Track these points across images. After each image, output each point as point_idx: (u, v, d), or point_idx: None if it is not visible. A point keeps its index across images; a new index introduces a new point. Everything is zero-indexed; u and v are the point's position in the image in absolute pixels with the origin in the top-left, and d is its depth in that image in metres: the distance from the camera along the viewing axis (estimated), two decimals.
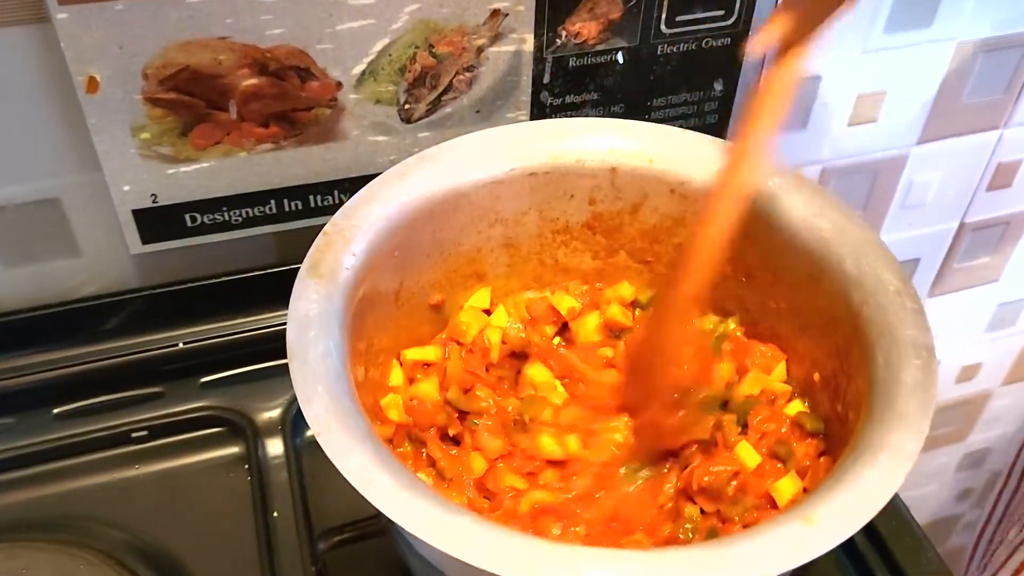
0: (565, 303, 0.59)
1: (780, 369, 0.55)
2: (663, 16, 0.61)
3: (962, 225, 0.91)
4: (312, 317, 0.46)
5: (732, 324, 0.58)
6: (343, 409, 0.42)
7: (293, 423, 0.62)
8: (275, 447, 0.61)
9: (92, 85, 0.52)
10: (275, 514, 0.57)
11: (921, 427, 0.41)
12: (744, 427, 0.53)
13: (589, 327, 0.58)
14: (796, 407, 0.53)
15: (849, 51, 0.71)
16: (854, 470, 0.40)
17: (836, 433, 0.50)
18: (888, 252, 0.50)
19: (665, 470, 0.50)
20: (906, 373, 0.44)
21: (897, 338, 0.46)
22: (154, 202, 0.58)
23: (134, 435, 0.62)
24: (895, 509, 0.57)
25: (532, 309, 0.59)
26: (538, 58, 0.60)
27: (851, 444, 0.43)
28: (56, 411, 0.63)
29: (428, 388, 0.53)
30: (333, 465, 0.40)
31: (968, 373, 1.12)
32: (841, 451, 0.46)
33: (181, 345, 0.64)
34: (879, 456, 0.40)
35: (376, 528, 0.54)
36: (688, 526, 0.48)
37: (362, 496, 0.38)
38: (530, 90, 0.61)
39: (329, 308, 0.47)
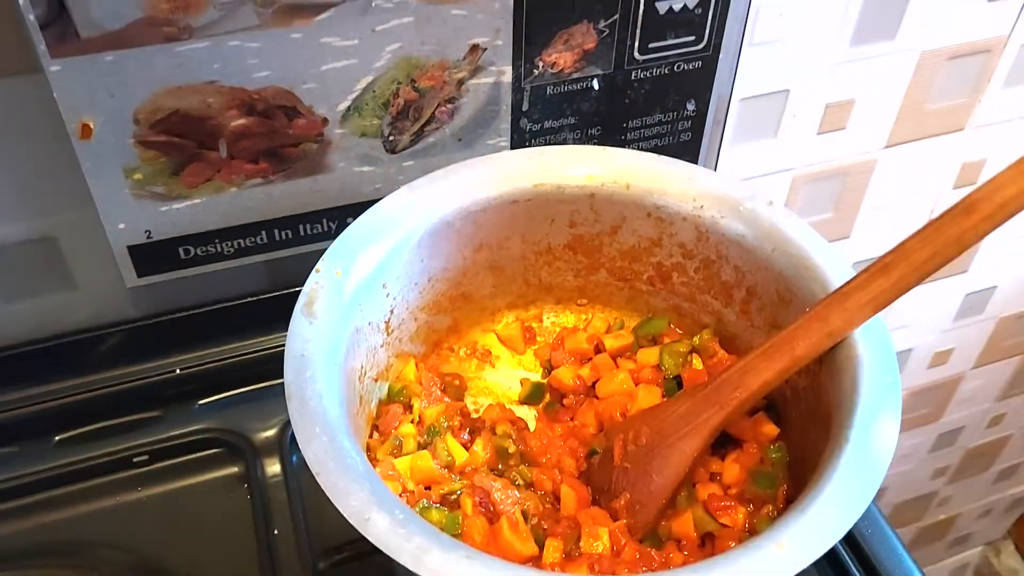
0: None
1: None
2: (636, 44, 0.63)
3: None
4: (307, 357, 0.48)
5: (707, 335, 0.60)
6: (340, 449, 0.44)
7: (290, 443, 0.64)
8: (273, 466, 0.63)
9: (85, 131, 0.54)
10: (276, 532, 0.59)
11: (886, 449, 0.44)
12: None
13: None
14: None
15: (818, 63, 0.74)
16: (822, 493, 0.43)
17: (807, 446, 0.53)
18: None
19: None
20: (871, 394, 0.47)
21: (863, 359, 0.48)
22: (148, 238, 0.60)
23: (135, 459, 0.64)
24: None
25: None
26: (516, 88, 0.62)
27: (820, 464, 0.46)
28: (58, 438, 0.64)
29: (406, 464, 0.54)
30: None
31: (940, 359, 1.16)
32: (810, 464, 0.49)
33: (178, 371, 0.66)
34: (845, 478, 0.43)
35: (373, 547, 0.57)
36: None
37: None
38: (510, 118, 0.63)
39: (323, 347, 0.49)
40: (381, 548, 0.40)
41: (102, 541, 0.60)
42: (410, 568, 0.39)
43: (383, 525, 0.41)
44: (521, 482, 0.55)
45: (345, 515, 0.41)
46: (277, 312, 0.66)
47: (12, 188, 0.57)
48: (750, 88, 0.72)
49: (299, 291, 0.51)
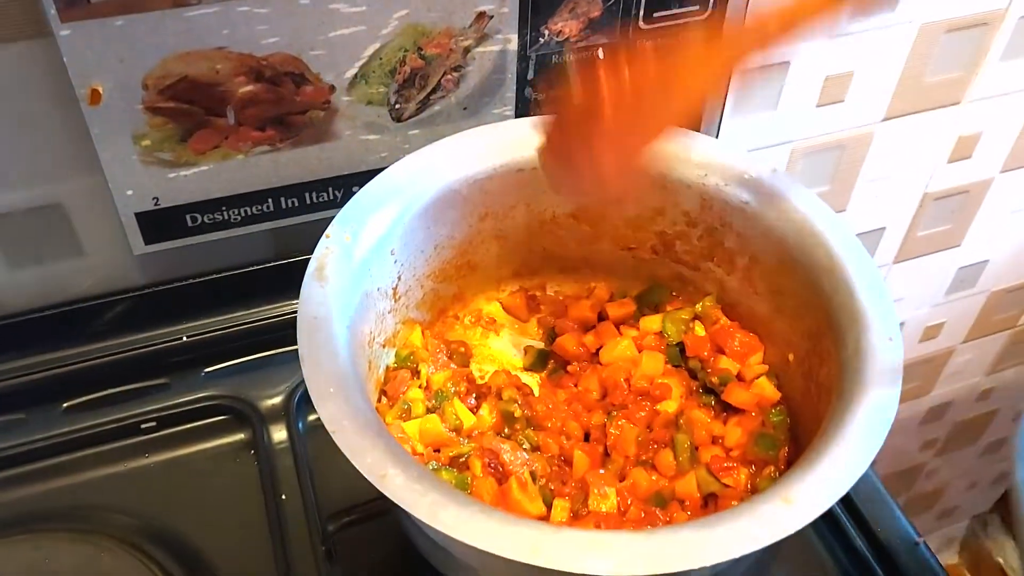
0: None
1: (757, 355, 0.59)
2: (640, 13, 0.63)
3: (925, 195, 0.95)
4: (320, 319, 0.49)
5: (709, 302, 0.61)
6: (354, 407, 0.45)
7: (296, 409, 0.64)
8: (279, 433, 0.64)
9: (95, 97, 0.54)
10: (283, 497, 0.60)
11: (889, 410, 0.45)
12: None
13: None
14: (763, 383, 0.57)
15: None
16: (827, 452, 0.44)
17: (808, 408, 0.54)
18: (858, 244, 0.53)
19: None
20: (874, 359, 0.48)
21: (866, 325, 0.49)
22: (156, 205, 0.60)
23: (143, 426, 0.64)
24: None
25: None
26: (522, 56, 0.62)
27: (823, 426, 0.47)
28: (65, 405, 0.65)
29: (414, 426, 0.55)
30: (336, 448, 0.43)
31: (931, 332, 1.17)
32: (811, 428, 0.50)
33: (185, 338, 0.67)
34: (849, 438, 0.44)
35: (382, 508, 0.58)
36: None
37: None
38: (515, 87, 0.64)
39: (334, 310, 0.50)
40: (397, 503, 0.41)
41: (110, 506, 0.61)
42: (426, 522, 0.40)
43: (399, 481, 0.41)
44: (528, 445, 0.56)
45: (362, 471, 0.42)
46: (283, 280, 0.66)
47: (20, 154, 0.57)
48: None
49: (305, 259, 0.52)
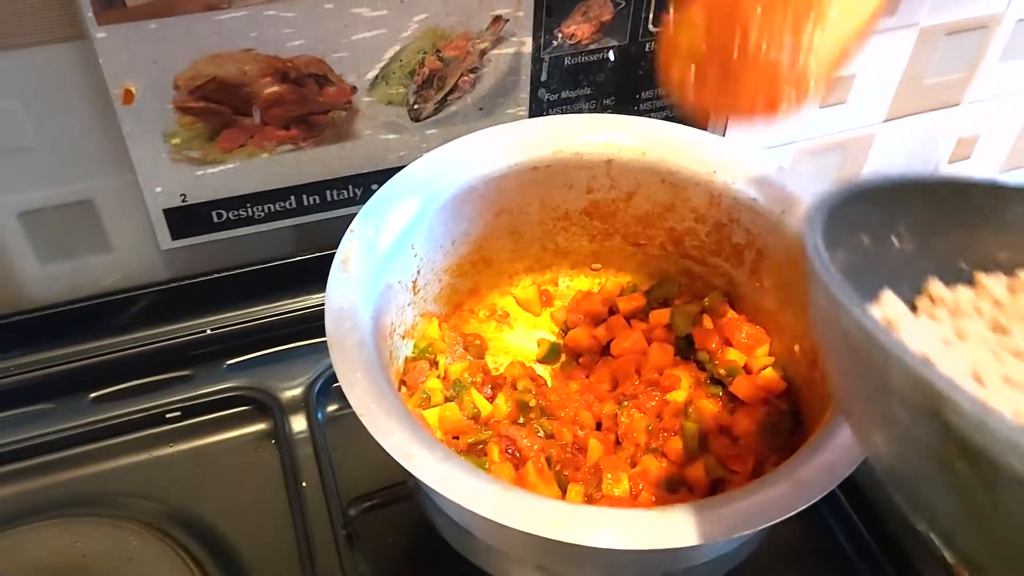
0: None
1: (764, 347, 0.61)
2: (650, 16, 0.65)
3: None
4: (346, 310, 0.51)
5: (716, 296, 0.63)
6: (381, 392, 0.47)
7: (315, 400, 0.67)
8: (299, 423, 0.66)
9: (128, 97, 0.56)
10: (303, 484, 0.62)
11: None
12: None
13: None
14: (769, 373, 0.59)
15: None
16: (832, 436, 0.46)
17: (814, 397, 0.56)
18: None
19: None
20: None
21: None
22: (183, 201, 0.62)
23: (168, 416, 0.66)
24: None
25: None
26: (536, 58, 0.64)
27: (828, 412, 0.49)
28: (93, 396, 0.67)
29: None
30: (354, 437, 0.44)
31: None
32: (817, 416, 0.52)
33: (208, 331, 0.69)
34: None
35: (401, 493, 0.60)
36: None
37: (389, 465, 0.43)
38: (529, 88, 0.66)
39: (359, 300, 0.52)
40: (424, 481, 0.43)
41: (136, 492, 0.63)
42: (451, 499, 0.42)
43: (425, 460, 0.43)
44: (542, 433, 0.58)
45: (389, 451, 0.44)
46: (304, 275, 0.69)
47: (54, 152, 0.59)
48: None
49: (325, 255, 0.54)
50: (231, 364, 0.69)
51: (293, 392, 0.68)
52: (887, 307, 0.37)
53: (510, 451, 0.55)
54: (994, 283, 0.41)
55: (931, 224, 0.42)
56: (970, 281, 0.42)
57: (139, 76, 0.55)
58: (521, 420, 0.59)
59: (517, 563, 0.52)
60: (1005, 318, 0.38)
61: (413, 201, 0.57)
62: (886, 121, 0.86)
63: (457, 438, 0.56)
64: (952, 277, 0.42)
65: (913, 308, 0.40)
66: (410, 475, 0.44)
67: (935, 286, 0.41)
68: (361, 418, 0.45)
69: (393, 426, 0.45)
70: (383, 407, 0.46)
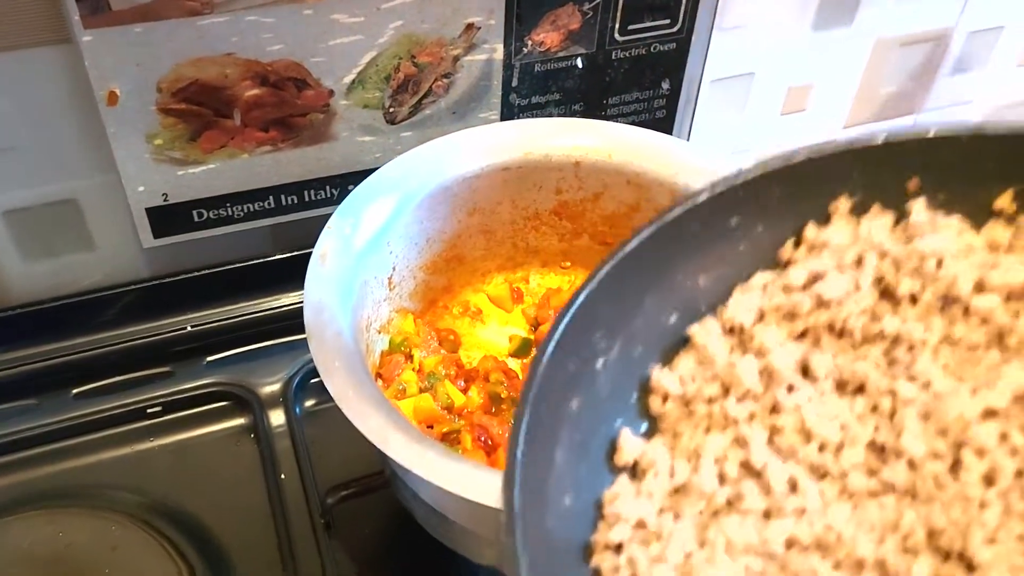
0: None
1: None
2: (616, 26, 0.68)
3: None
4: (324, 302, 0.53)
5: None
6: (358, 379, 0.49)
7: (293, 395, 0.68)
8: (278, 417, 0.67)
9: (112, 99, 0.58)
10: (282, 476, 0.64)
11: None
12: None
13: None
14: None
15: (781, 48, 0.80)
16: None
17: None
18: None
19: None
20: None
21: None
22: (165, 201, 0.64)
23: (149, 411, 0.68)
24: None
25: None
26: (507, 65, 0.67)
27: None
28: (75, 391, 0.68)
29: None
30: (331, 431, 0.46)
31: None
32: None
33: (189, 328, 0.70)
34: None
35: (378, 483, 0.62)
36: None
37: (365, 456, 0.45)
38: (500, 93, 0.68)
39: (336, 294, 0.54)
40: (399, 462, 0.45)
41: (119, 485, 0.64)
42: (425, 478, 0.44)
43: (400, 443, 0.45)
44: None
45: (366, 435, 0.46)
46: (282, 274, 0.71)
47: (39, 152, 0.61)
48: (719, 70, 0.78)
49: (303, 254, 0.55)
50: (211, 361, 0.71)
51: (272, 388, 0.69)
52: (625, 448, 0.33)
53: (483, 439, 0.57)
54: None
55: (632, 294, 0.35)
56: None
57: (123, 78, 0.57)
58: (494, 410, 0.61)
59: (492, 545, 0.54)
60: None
61: (389, 200, 0.60)
62: (845, 128, 0.90)
63: (431, 427, 0.59)
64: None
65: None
66: (386, 464, 0.46)
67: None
68: (339, 403, 0.47)
69: (370, 411, 0.47)
70: (360, 394, 0.48)
